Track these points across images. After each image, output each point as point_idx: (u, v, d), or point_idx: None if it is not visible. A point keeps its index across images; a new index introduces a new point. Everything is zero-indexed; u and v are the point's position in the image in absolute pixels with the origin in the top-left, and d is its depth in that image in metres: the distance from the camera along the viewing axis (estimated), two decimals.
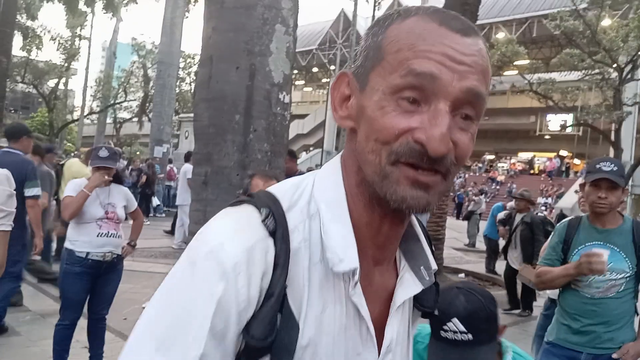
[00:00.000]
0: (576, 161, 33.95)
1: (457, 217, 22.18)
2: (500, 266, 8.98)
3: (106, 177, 3.75)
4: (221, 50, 3.66)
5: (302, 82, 51.63)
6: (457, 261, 11.10)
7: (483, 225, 11.56)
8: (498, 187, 31.36)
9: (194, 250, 0.67)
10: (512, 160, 37.21)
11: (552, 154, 34.52)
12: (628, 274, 2.64)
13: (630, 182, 19.27)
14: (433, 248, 0.87)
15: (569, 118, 24.31)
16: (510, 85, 22.27)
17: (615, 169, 2.62)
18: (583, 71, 18.71)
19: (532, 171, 35.14)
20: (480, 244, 12.64)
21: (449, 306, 1.45)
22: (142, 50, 29.53)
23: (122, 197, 3.98)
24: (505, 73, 24.71)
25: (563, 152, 35.00)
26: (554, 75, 20.12)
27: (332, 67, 42.55)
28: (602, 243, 2.69)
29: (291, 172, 5.54)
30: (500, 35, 29.17)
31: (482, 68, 0.67)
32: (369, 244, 0.73)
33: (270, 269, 0.66)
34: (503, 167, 36.23)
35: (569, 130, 29.48)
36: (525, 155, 37.21)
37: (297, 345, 0.67)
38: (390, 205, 0.68)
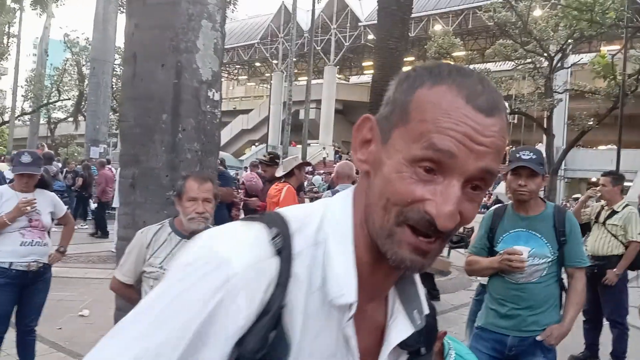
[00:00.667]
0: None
1: None
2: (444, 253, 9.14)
3: (29, 207, 3.57)
4: (145, 48, 3.53)
5: (245, 77, 51.10)
6: None
7: None
8: None
9: (199, 256, 0.69)
10: None
11: None
12: (550, 259, 2.74)
13: (562, 166, 20.12)
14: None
15: None
16: None
17: (534, 157, 2.71)
18: (516, 61, 19.35)
19: None
20: None
21: None
22: (76, 47, 28.34)
23: (48, 203, 3.81)
24: None
25: None
26: (489, 66, 20.73)
27: (275, 61, 42.29)
28: (524, 230, 2.78)
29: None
30: (438, 27, 29.73)
31: (498, 148, 0.70)
32: (366, 280, 0.76)
33: (272, 287, 0.69)
34: None
35: None
36: None
37: None
38: (389, 262, 0.72)
